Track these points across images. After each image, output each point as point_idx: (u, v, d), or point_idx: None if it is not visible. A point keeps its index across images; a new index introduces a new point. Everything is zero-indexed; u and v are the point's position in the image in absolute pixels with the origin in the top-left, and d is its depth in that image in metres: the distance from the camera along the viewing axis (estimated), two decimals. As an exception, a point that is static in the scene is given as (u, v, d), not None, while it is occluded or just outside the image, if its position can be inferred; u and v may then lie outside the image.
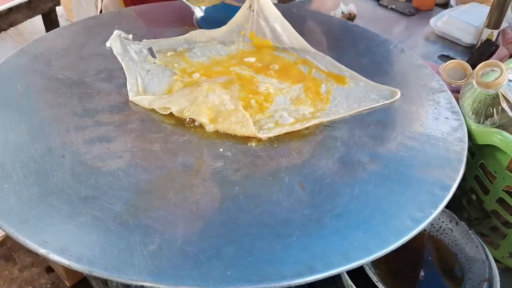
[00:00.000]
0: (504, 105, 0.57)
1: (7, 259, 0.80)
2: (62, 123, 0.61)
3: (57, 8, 2.11)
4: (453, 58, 1.08)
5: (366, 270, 0.55)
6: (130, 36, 0.81)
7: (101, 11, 1.16)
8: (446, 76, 0.62)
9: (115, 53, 0.77)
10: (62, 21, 2.29)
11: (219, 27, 0.83)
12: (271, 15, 0.80)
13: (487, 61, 0.57)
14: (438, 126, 0.63)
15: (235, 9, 0.82)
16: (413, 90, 0.70)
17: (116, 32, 0.80)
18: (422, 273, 0.61)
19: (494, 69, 0.57)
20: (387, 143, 0.60)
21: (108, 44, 0.78)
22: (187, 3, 0.80)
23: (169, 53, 0.80)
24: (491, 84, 0.56)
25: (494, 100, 0.57)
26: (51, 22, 2.07)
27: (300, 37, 0.81)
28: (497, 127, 0.59)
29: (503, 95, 0.56)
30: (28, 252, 0.81)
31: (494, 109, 0.58)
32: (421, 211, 0.50)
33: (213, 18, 0.85)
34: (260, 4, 0.78)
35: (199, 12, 0.84)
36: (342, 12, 1.18)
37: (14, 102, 0.64)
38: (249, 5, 0.80)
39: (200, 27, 0.84)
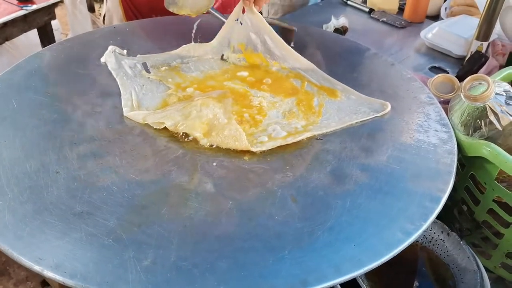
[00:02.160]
0: (492, 118, 0.58)
1: (2, 273, 0.80)
2: (57, 138, 0.62)
3: (53, 22, 2.12)
4: (444, 70, 1.10)
5: (359, 282, 0.55)
6: (125, 51, 0.82)
7: (103, 19, 1.17)
8: (434, 90, 0.63)
9: (109, 68, 0.78)
10: (57, 35, 2.30)
11: None
12: (262, 28, 0.81)
13: (474, 75, 0.58)
14: (428, 139, 0.64)
15: None
16: (403, 103, 0.71)
17: (110, 47, 0.81)
18: (416, 284, 0.61)
19: (481, 82, 0.58)
20: (378, 156, 0.61)
21: (102, 59, 0.79)
22: (169, 9, 0.80)
23: (163, 68, 0.81)
24: (478, 97, 0.57)
25: (482, 113, 0.58)
26: (46, 36, 2.08)
27: (291, 49, 0.82)
28: (485, 139, 0.61)
29: (490, 108, 0.58)
30: (23, 266, 0.81)
31: (482, 122, 0.59)
32: (411, 223, 0.51)
33: None
34: (250, 17, 0.79)
35: None
36: (334, 26, 1.20)
37: (8, 118, 0.65)
38: (237, 18, 0.80)
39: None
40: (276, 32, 0.83)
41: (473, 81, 0.58)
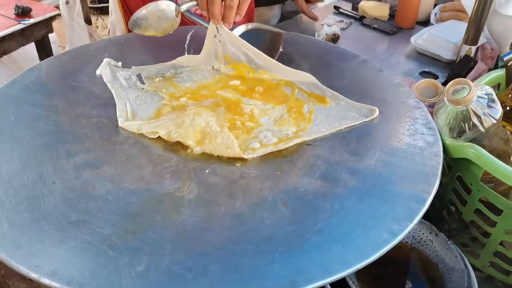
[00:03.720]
0: (475, 120, 0.59)
1: (2, 286, 0.81)
2: (53, 150, 0.63)
3: (50, 35, 2.15)
4: (434, 74, 1.12)
5: (349, 284, 0.56)
6: (120, 63, 0.84)
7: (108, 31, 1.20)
8: (418, 95, 0.65)
9: (105, 80, 0.80)
10: (55, 48, 2.33)
11: None
12: (238, 43, 0.82)
13: (457, 79, 0.60)
14: (415, 142, 0.65)
15: None
16: (391, 108, 0.73)
17: (105, 60, 0.83)
18: (406, 285, 0.63)
19: (464, 86, 0.60)
20: (366, 160, 0.63)
21: (98, 72, 0.81)
22: (134, 31, 0.78)
23: (157, 79, 0.83)
24: (461, 101, 0.59)
25: (465, 116, 0.60)
26: (44, 49, 2.11)
27: (273, 60, 0.82)
28: (470, 141, 0.62)
29: (473, 111, 0.59)
30: (23, 278, 0.82)
31: (466, 124, 0.60)
32: (397, 224, 0.52)
33: None
34: (223, 33, 0.80)
35: None
36: (326, 34, 1.22)
37: (6, 131, 0.66)
38: (214, 35, 0.81)
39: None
40: (265, 37, 0.84)
41: (456, 85, 0.60)
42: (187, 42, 0.90)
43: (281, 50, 0.87)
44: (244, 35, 0.81)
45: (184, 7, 0.76)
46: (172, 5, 0.75)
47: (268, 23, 1.37)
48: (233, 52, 0.82)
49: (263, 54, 0.82)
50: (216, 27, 0.78)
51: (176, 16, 0.76)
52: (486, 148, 0.61)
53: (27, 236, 0.50)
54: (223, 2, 0.73)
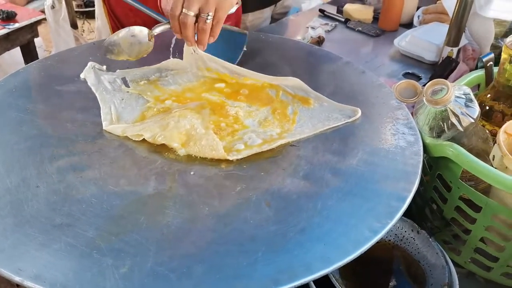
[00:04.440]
0: (453, 120, 0.61)
1: (-14, 292, 0.80)
2: (37, 154, 0.63)
3: (36, 40, 2.14)
4: (417, 76, 1.14)
5: (333, 281, 0.57)
6: (104, 67, 0.84)
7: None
8: (398, 95, 0.66)
9: (89, 84, 0.80)
10: (40, 52, 2.32)
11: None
12: (217, 61, 0.83)
13: (435, 79, 0.61)
14: (396, 141, 0.67)
15: None
16: (373, 109, 0.74)
17: (90, 63, 0.83)
18: (390, 282, 0.64)
19: (442, 87, 0.61)
20: (349, 159, 0.64)
21: (82, 75, 0.81)
22: (107, 56, 0.77)
23: (142, 82, 0.83)
24: (439, 101, 0.60)
25: (444, 116, 0.61)
26: (29, 54, 2.10)
27: (257, 73, 0.83)
28: (450, 140, 0.64)
29: (451, 111, 0.61)
30: (9, 285, 0.81)
31: (445, 124, 0.62)
32: (378, 222, 0.53)
33: None
34: (201, 56, 0.82)
35: None
36: (311, 37, 1.23)
37: (-11, 135, 0.66)
38: (193, 50, 0.81)
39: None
40: (229, 37, 0.84)
41: (434, 85, 0.61)
42: (172, 46, 0.90)
43: (245, 49, 0.88)
44: None
45: (157, 31, 0.76)
46: (145, 30, 0.75)
47: (259, 27, 1.39)
48: (213, 66, 0.84)
49: (244, 69, 0.83)
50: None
51: (149, 40, 0.76)
52: (465, 147, 0.62)
53: (10, 240, 0.50)
54: (196, 24, 0.72)
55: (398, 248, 0.66)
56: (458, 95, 0.61)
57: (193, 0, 0.68)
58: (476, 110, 0.61)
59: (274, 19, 1.45)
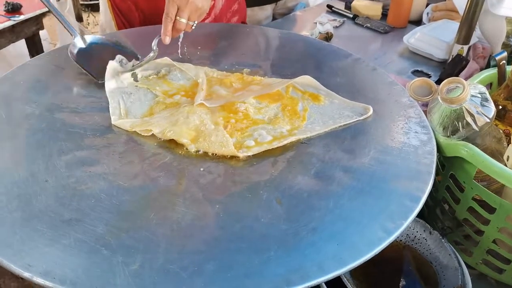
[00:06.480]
0: (468, 119, 0.60)
1: (-8, 285, 0.80)
2: (45, 148, 0.63)
3: (41, 32, 2.13)
4: (426, 74, 1.13)
5: (344, 282, 0.56)
6: (131, 63, 0.82)
7: None
8: (413, 93, 0.65)
9: (107, 75, 0.77)
10: (46, 45, 2.31)
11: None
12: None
13: (450, 78, 0.60)
14: (409, 140, 0.66)
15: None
16: (384, 106, 0.73)
17: (118, 56, 0.81)
18: (400, 283, 0.63)
19: (458, 85, 0.60)
20: (360, 158, 0.63)
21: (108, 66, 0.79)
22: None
23: (151, 77, 0.82)
24: (454, 99, 0.59)
25: (459, 115, 0.60)
26: (34, 46, 2.09)
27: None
28: (464, 139, 0.63)
29: (466, 110, 0.60)
30: (14, 277, 0.81)
31: (460, 123, 0.61)
32: (392, 222, 0.52)
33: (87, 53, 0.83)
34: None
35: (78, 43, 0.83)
36: (319, 32, 1.22)
37: (-3, 128, 0.65)
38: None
39: (76, 61, 0.80)
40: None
41: (449, 84, 0.60)
42: (180, 40, 0.89)
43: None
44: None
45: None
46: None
47: (260, 24, 1.38)
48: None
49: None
50: None
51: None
52: (479, 147, 0.61)
53: (18, 235, 0.50)
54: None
55: (409, 248, 0.65)
56: (474, 94, 0.60)
57: (184, 10, 0.78)
58: (492, 109, 0.60)
59: (275, 18, 1.44)
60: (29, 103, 0.71)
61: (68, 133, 0.66)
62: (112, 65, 0.80)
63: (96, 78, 0.78)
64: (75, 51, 0.81)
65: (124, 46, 0.86)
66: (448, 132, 0.63)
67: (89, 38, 0.85)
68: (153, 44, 0.80)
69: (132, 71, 0.81)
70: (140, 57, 0.83)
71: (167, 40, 0.79)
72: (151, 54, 0.81)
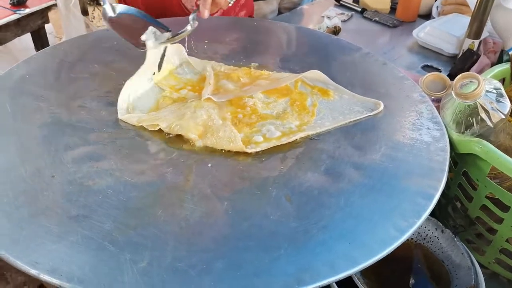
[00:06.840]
0: (483, 115, 0.58)
1: (-1, 279, 0.80)
2: (52, 143, 0.62)
3: (46, 26, 2.12)
4: (436, 68, 1.11)
5: (355, 280, 0.56)
6: (167, 34, 0.78)
7: None
8: (426, 89, 0.64)
9: (147, 47, 0.73)
10: (51, 38, 2.30)
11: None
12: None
13: (465, 73, 0.59)
14: (421, 137, 0.64)
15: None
16: (395, 102, 0.72)
17: (150, 28, 0.76)
18: (412, 281, 0.62)
19: (472, 80, 0.59)
20: (371, 154, 0.62)
21: (143, 38, 0.74)
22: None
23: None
24: (469, 95, 0.58)
25: (473, 110, 0.59)
26: (40, 40, 2.08)
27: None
28: (477, 136, 0.61)
29: (481, 105, 0.58)
30: (20, 271, 0.81)
31: (474, 119, 0.59)
32: (404, 220, 0.51)
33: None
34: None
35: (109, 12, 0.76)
36: (327, 26, 1.20)
37: (3, 123, 0.65)
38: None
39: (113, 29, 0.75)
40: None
41: (463, 79, 0.59)
42: (190, 28, 0.88)
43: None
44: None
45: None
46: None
47: (265, 18, 1.36)
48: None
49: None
50: None
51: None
52: (493, 144, 0.60)
53: (25, 231, 0.49)
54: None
55: (421, 247, 0.64)
56: (489, 90, 0.59)
57: None
58: (507, 105, 0.58)
59: (281, 13, 1.43)
60: (34, 98, 0.70)
61: (74, 128, 0.65)
62: (150, 32, 0.75)
63: (137, 46, 0.74)
64: (107, 19, 0.76)
65: (155, 19, 0.82)
66: (462, 129, 0.61)
67: (118, 8, 0.79)
68: (190, 18, 0.76)
69: (167, 44, 0.77)
70: (171, 30, 0.77)
71: (206, 14, 0.78)
72: (189, 28, 0.76)
